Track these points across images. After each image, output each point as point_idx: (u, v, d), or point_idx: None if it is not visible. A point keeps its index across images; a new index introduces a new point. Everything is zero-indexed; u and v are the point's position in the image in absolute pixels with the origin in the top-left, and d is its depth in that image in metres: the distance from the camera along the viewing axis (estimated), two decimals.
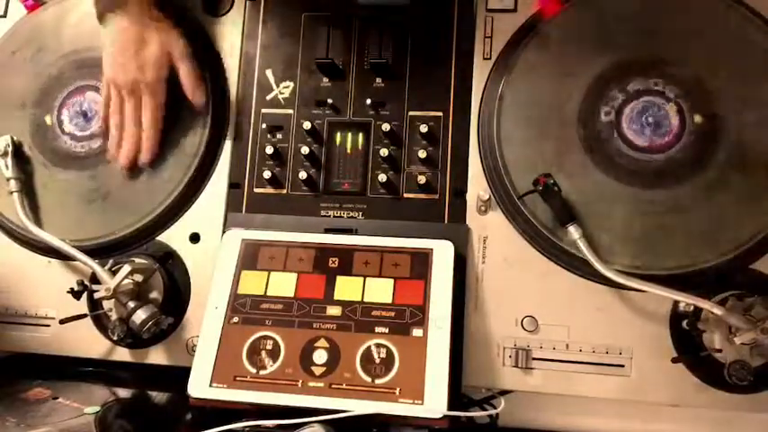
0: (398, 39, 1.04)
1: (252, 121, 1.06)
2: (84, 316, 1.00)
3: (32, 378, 1.02)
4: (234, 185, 1.04)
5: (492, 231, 0.97)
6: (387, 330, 0.88)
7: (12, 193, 1.04)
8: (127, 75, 1.01)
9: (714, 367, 0.87)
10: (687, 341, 0.89)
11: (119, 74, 1.01)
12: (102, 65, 1.04)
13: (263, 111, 1.06)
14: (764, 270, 0.90)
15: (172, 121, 1.05)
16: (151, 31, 1.01)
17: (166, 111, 1.04)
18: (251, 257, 0.96)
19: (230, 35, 1.09)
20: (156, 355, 1.01)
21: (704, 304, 0.84)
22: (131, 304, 0.95)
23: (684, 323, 0.88)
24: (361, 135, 1.03)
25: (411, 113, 1.02)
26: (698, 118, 0.92)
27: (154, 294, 1.00)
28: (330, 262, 0.94)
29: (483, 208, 0.97)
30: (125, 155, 1.03)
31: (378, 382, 0.84)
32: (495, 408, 0.94)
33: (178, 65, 1.03)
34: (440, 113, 1.01)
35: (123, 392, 1.03)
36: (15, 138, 1.07)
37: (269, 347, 0.88)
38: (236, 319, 0.91)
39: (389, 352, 0.86)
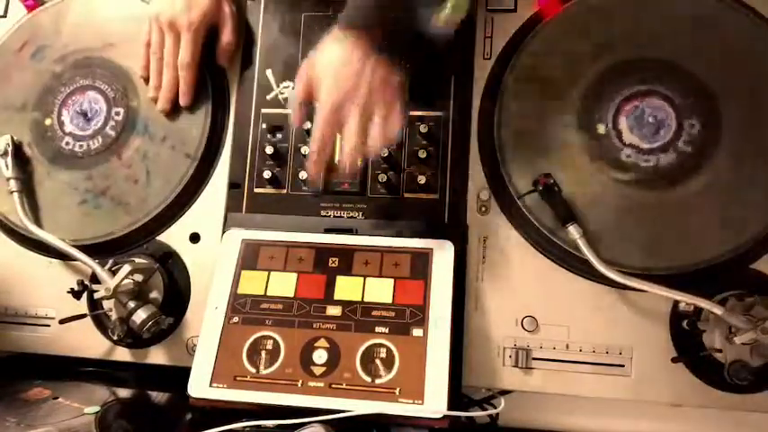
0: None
1: (252, 121, 1.06)
2: (84, 316, 1.00)
3: (32, 378, 1.02)
4: (234, 185, 1.04)
5: (492, 231, 0.97)
6: (387, 330, 0.88)
7: (12, 193, 1.04)
8: (174, 9, 1.02)
9: (714, 367, 0.87)
10: (687, 341, 0.89)
11: (165, 8, 1.03)
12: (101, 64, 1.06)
13: (263, 111, 1.06)
14: (764, 270, 0.90)
15: (172, 122, 1.06)
16: None
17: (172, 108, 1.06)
18: (251, 257, 0.96)
19: None
20: (156, 355, 1.01)
21: (704, 304, 0.84)
22: (131, 304, 0.95)
23: (684, 323, 0.88)
24: None
25: (411, 113, 1.01)
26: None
27: (154, 294, 1.00)
28: (330, 262, 0.94)
29: (483, 208, 0.97)
30: (164, 98, 1.05)
31: (378, 381, 0.84)
32: (495, 408, 0.94)
33: (224, 21, 1.06)
34: (440, 113, 1.01)
35: (123, 392, 1.04)
36: (15, 137, 1.07)
37: (269, 347, 0.88)
38: (236, 319, 0.91)
39: (389, 352, 0.86)
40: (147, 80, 1.07)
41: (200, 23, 1.03)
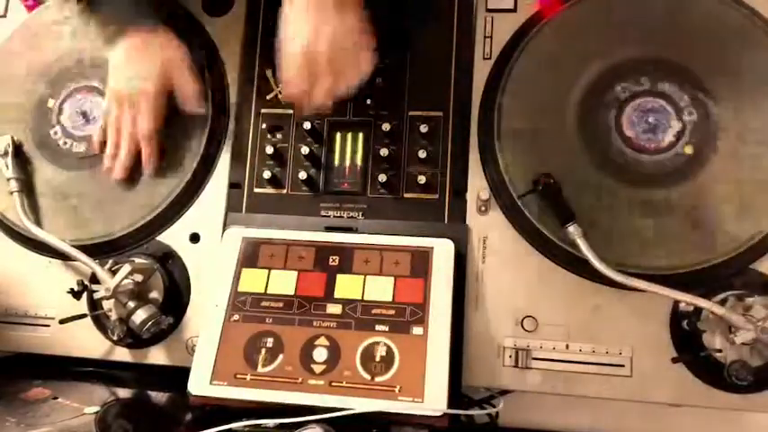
0: (398, 39, 1.04)
1: (252, 121, 1.06)
2: (84, 316, 1.00)
3: (32, 378, 1.02)
4: (234, 185, 1.04)
5: (492, 231, 0.97)
6: (387, 328, 0.88)
7: (12, 193, 1.04)
8: (129, 83, 1.02)
9: (714, 367, 0.87)
10: (687, 341, 0.89)
11: (120, 82, 1.02)
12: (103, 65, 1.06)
13: (263, 111, 1.06)
14: (764, 270, 0.90)
15: (172, 122, 1.06)
16: (155, 47, 1.02)
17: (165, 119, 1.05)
18: (251, 255, 0.96)
19: (230, 35, 1.09)
20: (156, 355, 1.01)
21: (704, 304, 0.84)
22: (131, 304, 0.95)
23: (684, 323, 0.88)
24: (361, 135, 1.03)
25: (411, 113, 1.02)
26: (688, 149, 0.93)
27: (154, 294, 1.00)
28: (330, 260, 0.94)
29: (483, 208, 0.97)
30: (120, 167, 1.04)
31: (378, 380, 0.84)
32: (494, 407, 0.94)
33: (180, 76, 1.04)
34: (440, 113, 1.01)
35: (123, 392, 1.04)
36: (16, 138, 1.08)
37: (269, 345, 0.88)
38: (236, 317, 0.91)
39: (389, 350, 0.86)
40: (102, 147, 1.06)
41: (157, 92, 1.02)
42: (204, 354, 0.89)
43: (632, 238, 0.91)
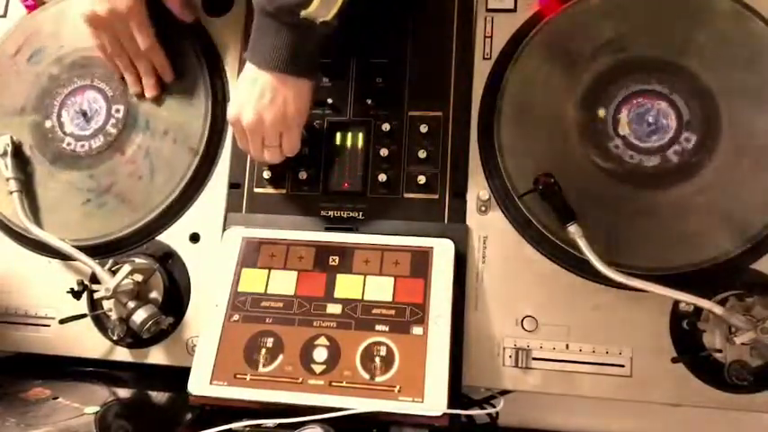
0: (398, 39, 1.04)
1: None
2: (84, 316, 1.00)
3: (32, 378, 1.02)
4: (234, 185, 1.04)
5: (492, 231, 0.97)
6: (387, 328, 0.88)
7: (12, 193, 1.04)
8: (106, 3, 0.99)
9: (714, 367, 0.87)
10: (687, 341, 0.89)
11: (97, 6, 1.00)
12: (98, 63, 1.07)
13: None
14: (764, 270, 0.90)
15: (172, 116, 1.06)
16: None
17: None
18: (252, 255, 0.96)
19: (230, 35, 1.09)
20: (156, 355, 1.01)
21: (704, 304, 0.84)
22: (131, 304, 0.95)
23: (685, 323, 0.88)
24: (361, 135, 1.02)
25: (411, 113, 1.02)
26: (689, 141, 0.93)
27: (154, 294, 1.00)
28: (330, 260, 0.94)
29: (483, 208, 0.97)
30: (150, 87, 1.06)
31: (377, 380, 0.84)
32: (494, 407, 0.94)
33: None
34: (440, 113, 1.01)
35: (123, 392, 1.04)
36: (15, 138, 1.07)
37: (269, 345, 0.88)
38: (236, 317, 0.91)
39: (389, 350, 0.86)
40: (120, 78, 1.08)
41: (138, 3, 1.00)
42: (204, 354, 0.89)
43: (632, 238, 0.91)
